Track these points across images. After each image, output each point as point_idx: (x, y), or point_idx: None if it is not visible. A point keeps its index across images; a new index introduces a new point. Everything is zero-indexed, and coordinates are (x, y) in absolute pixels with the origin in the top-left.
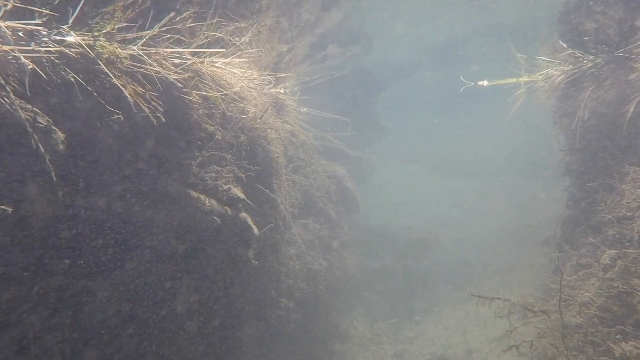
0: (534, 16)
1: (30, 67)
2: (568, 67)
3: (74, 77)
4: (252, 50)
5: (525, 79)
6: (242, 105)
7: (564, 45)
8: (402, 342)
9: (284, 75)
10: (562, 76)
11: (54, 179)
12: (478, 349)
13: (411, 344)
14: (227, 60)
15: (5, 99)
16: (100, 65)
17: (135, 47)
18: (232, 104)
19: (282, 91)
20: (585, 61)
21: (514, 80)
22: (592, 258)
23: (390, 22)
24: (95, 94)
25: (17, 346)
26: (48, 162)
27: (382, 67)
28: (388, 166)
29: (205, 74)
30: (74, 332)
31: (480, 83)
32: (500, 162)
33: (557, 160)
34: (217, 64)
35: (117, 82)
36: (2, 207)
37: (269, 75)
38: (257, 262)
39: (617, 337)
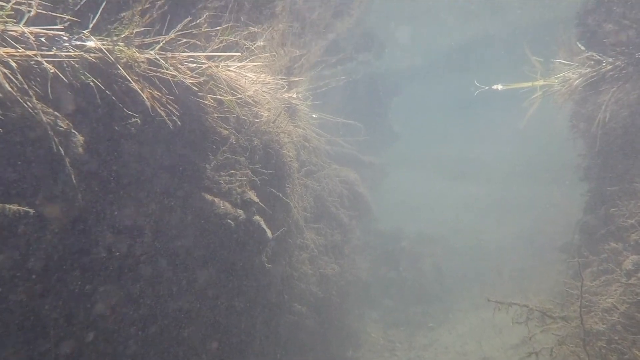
0: (550, 19)
1: (52, 71)
2: (586, 70)
3: (93, 81)
4: (266, 55)
5: (541, 82)
6: (256, 109)
7: (582, 47)
8: (415, 349)
9: (297, 79)
10: (580, 79)
11: (74, 182)
12: (494, 356)
13: (425, 351)
14: (241, 64)
15: (28, 102)
16: (119, 69)
17: (152, 52)
18: (245, 108)
19: (294, 96)
20: (604, 64)
21: (530, 84)
22: (614, 264)
23: (402, 27)
24: (113, 97)
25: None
26: (68, 165)
27: (394, 72)
28: (400, 171)
29: (220, 78)
30: (90, 335)
31: (494, 87)
32: (515, 168)
33: (575, 165)
34: (231, 68)
35: (135, 86)
36: (25, 208)
37: (282, 79)
38: (270, 266)
39: None
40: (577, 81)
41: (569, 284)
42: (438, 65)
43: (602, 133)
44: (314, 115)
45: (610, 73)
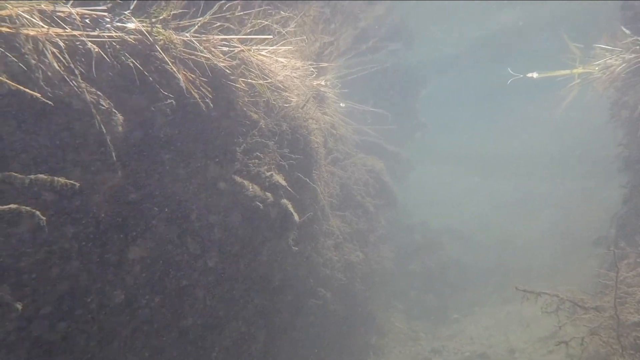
0: (591, 7)
1: (95, 51)
2: (630, 55)
3: (132, 62)
4: (297, 39)
5: (580, 70)
6: (285, 94)
7: (627, 32)
8: (440, 339)
9: (326, 65)
10: (624, 65)
11: (114, 159)
12: (521, 348)
13: (449, 341)
14: (273, 48)
15: (74, 82)
16: (157, 51)
17: (187, 34)
18: (275, 93)
19: (323, 83)
20: None
21: (567, 72)
22: None
23: (434, 17)
24: (150, 78)
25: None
26: (109, 142)
27: (423, 62)
28: (426, 164)
29: (252, 62)
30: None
31: (529, 75)
32: (545, 162)
33: (612, 156)
34: (263, 52)
35: (171, 68)
36: (71, 181)
37: (311, 65)
38: (296, 249)
39: None
40: (620, 67)
41: (603, 275)
42: (470, 55)
43: None
44: (341, 104)
45: None
